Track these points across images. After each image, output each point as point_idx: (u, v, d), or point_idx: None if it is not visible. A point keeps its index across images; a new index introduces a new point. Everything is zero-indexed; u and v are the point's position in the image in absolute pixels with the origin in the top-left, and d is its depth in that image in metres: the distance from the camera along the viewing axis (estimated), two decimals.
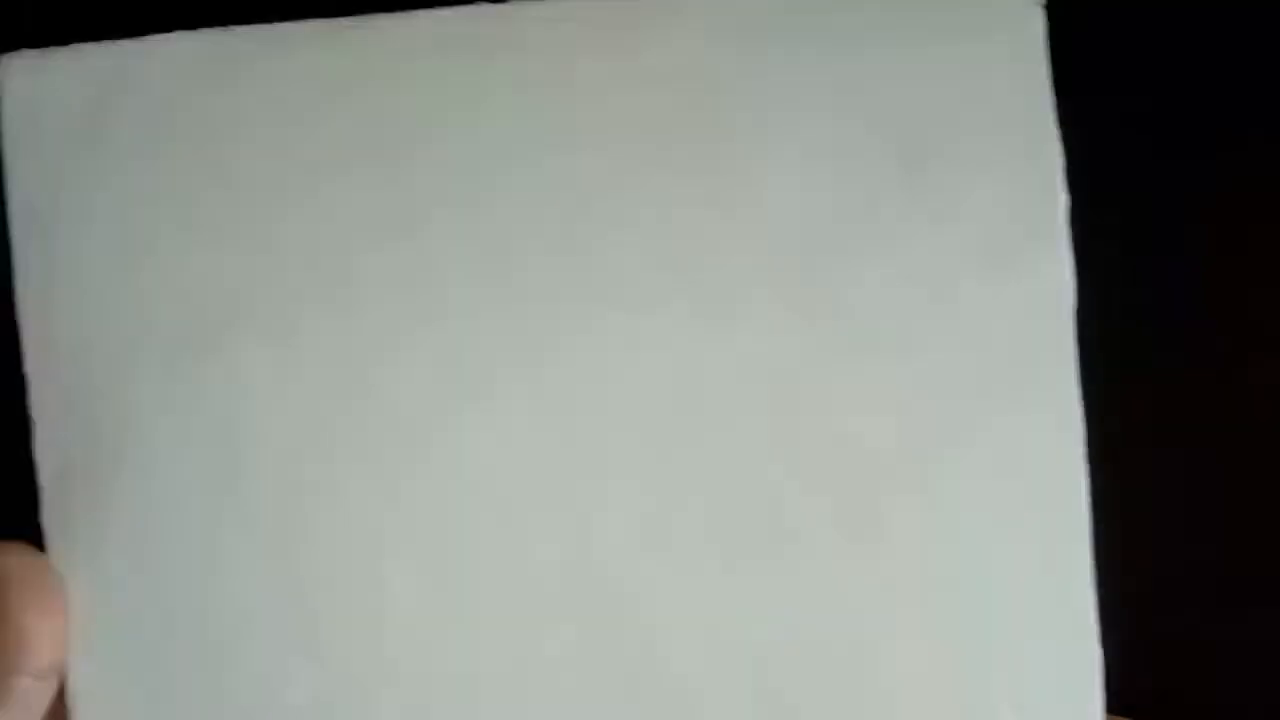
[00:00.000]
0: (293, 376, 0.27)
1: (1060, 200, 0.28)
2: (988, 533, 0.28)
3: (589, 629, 0.27)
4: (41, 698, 0.25)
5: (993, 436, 0.28)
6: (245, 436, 0.27)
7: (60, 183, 0.27)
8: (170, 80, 0.27)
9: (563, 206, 0.27)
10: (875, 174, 0.28)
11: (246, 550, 0.27)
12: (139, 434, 0.27)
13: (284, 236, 0.27)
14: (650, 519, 0.27)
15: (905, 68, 0.28)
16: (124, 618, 0.27)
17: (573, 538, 0.27)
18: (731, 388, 0.28)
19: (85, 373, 0.27)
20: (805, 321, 0.27)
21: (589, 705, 0.27)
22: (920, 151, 0.28)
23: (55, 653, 0.25)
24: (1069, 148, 0.27)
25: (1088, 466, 0.28)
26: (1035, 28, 0.27)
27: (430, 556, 0.27)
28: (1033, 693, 0.28)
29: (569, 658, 0.27)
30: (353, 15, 0.28)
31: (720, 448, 0.28)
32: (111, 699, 0.27)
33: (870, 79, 0.28)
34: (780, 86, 0.28)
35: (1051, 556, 0.28)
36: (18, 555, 0.25)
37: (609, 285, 0.27)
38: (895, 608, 0.28)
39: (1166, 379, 0.33)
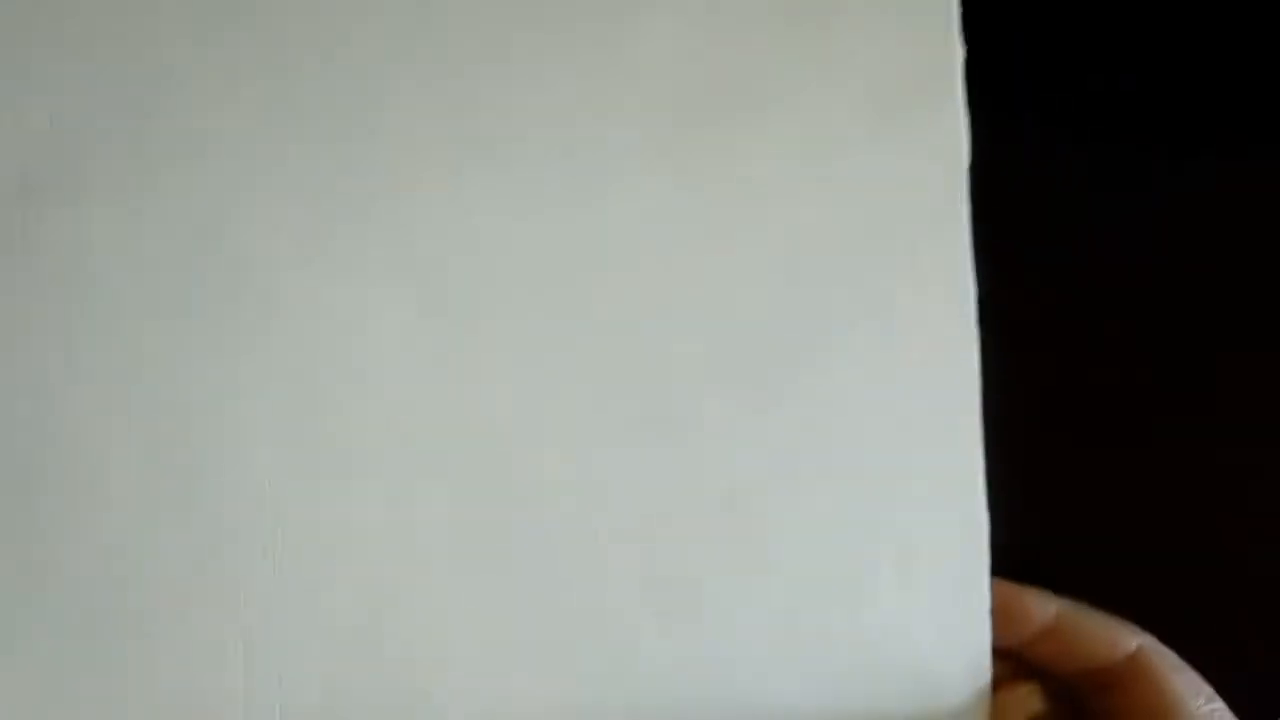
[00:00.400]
0: (140, 233, 0.25)
1: (957, 52, 0.27)
2: (878, 394, 0.28)
3: (463, 492, 0.26)
4: None
5: (883, 297, 0.27)
6: (87, 292, 0.25)
7: None
8: None
9: (429, 59, 0.26)
10: (760, 30, 0.27)
11: (87, 406, 0.25)
12: None
13: (135, 89, 0.25)
14: (532, 389, 0.27)
15: None
16: None
17: (446, 403, 0.26)
18: (614, 256, 0.27)
19: None
20: (686, 186, 0.26)
21: (463, 567, 0.26)
22: (808, 5, 0.27)
23: None
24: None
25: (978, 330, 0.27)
26: None
27: (289, 417, 0.26)
28: (920, 551, 0.28)
29: (443, 518, 0.26)
30: None
31: (604, 320, 0.27)
32: None
33: None
34: None
35: (942, 420, 0.28)
36: None
37: (476, 144, 0.26)
38: (785, 473, 0.27)
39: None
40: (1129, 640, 0.28)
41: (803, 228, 0.27)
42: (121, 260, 0.25)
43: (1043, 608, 0.29)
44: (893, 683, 0.29)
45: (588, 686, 0.27)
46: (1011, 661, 0.29)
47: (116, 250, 0.25)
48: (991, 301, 0.27)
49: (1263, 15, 0.29)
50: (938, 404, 0.28)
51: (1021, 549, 0.29)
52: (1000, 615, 0.29)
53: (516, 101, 0.26)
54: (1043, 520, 0.31)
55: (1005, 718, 0.28)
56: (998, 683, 0.29)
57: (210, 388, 0.25)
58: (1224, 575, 0.30)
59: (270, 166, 0.25)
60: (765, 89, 0.26)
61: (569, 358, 0.26)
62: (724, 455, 0.27)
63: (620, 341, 0.27)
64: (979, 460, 0.28)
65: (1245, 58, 0.30)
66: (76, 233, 0.25)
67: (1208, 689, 0.27)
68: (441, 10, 0.26)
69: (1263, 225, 0.30)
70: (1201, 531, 0.32)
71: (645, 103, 0.26)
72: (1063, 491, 0.32)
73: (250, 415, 0.26)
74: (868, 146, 0.27)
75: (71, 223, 0.25)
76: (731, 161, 0.26)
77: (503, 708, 0.27)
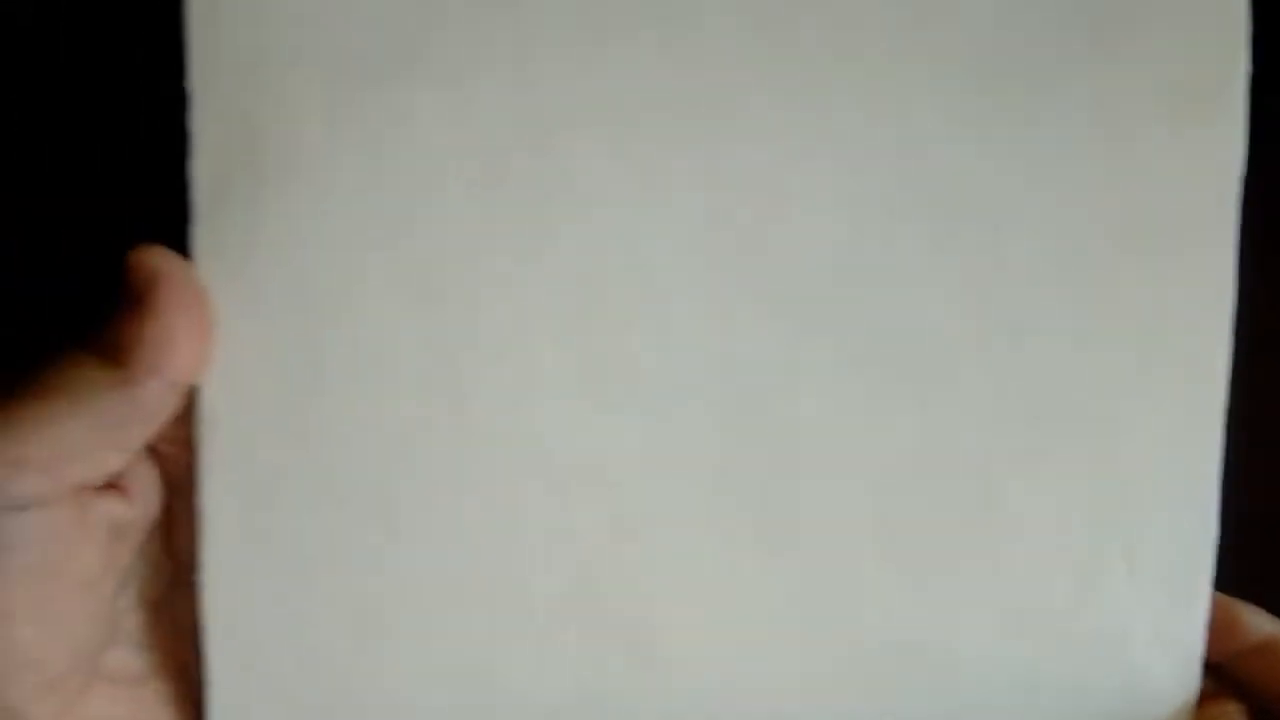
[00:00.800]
0: (465, 124, 0.26)
1: (1243, 66, 0.28)
2: (1129, 384, 0.28)
3: (726, 425, 0.27)
4: (165, 407, 0.24)
5: (1148, 285, 0.28)
6: (411, 178, 0.26)
7: None
8: None
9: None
10: (1064, 18, 0.28)
11: (394, 295, 0.26)
12: (304, 158, 0.26)
13: None
14: (800, 337, 0.27)
15: None
16: (268, 344, 0.26)
17: (717, 338, 0.27)
18: (900, 216, 0.27)
19: (251, 90, 0.26)
20: (983, 154, 0.27)
21: (721, 491, 0.27)
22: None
23: (196, 359, 0.24)
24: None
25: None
26: None
27: (573, 331, 0.26)
28: (1149, 552, 0.28)
29: (705, 448, 0.27)
30: None
31: (876, 279, 0.27)
32: (242, 427, 0.25)
33: None
34: None
35: (1185, 425, 0.28)
36: (169, 259, 0.24)
37: (794, 98, 0.27)
38: (1028, 442, 0.28)
39: None
40: None
41: (1081, 210, 0.27)
42: (445, 142, 0.26)
43: (1257, 624, 0.29)
44: (1104, 679, 0.28)
45: (816, 646, 0.27)
46: (1214, 675, 0.29)
47: (443, 131, 0.26)
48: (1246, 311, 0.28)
49: None
50: (1184, 409, 0.28)
51: (1245, 562, 0.29)
52: (1213, 627, 0.29)
53: (834, 61, 0.27)
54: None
55: None
56: (1202, 695, 0.29)
57: (500, 282, 0.26)
58: None
59: (594, 80, 0.26)
60: (1064, 74, 0.27)
61: (839, 310, 0.27)
62: (976, 428, 0.28)
63: (890, 300, 0.27)
64: (1216, 468, 0.28)
65: None
66: (404, 119, 0.26)
67: None
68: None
69: None
70: None
71: (951, 74, 0.27)
72: None
73: (534, 315, 0.26)
74: (1149, 143, 0.28)
75: (401, 107, 0.26)
76: (1026, 136, 0.27)
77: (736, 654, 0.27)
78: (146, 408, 0.23)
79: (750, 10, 0.27)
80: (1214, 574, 0.28)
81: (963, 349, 0.28)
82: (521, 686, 0.27)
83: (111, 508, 0.24)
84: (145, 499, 0.25)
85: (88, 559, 0.24)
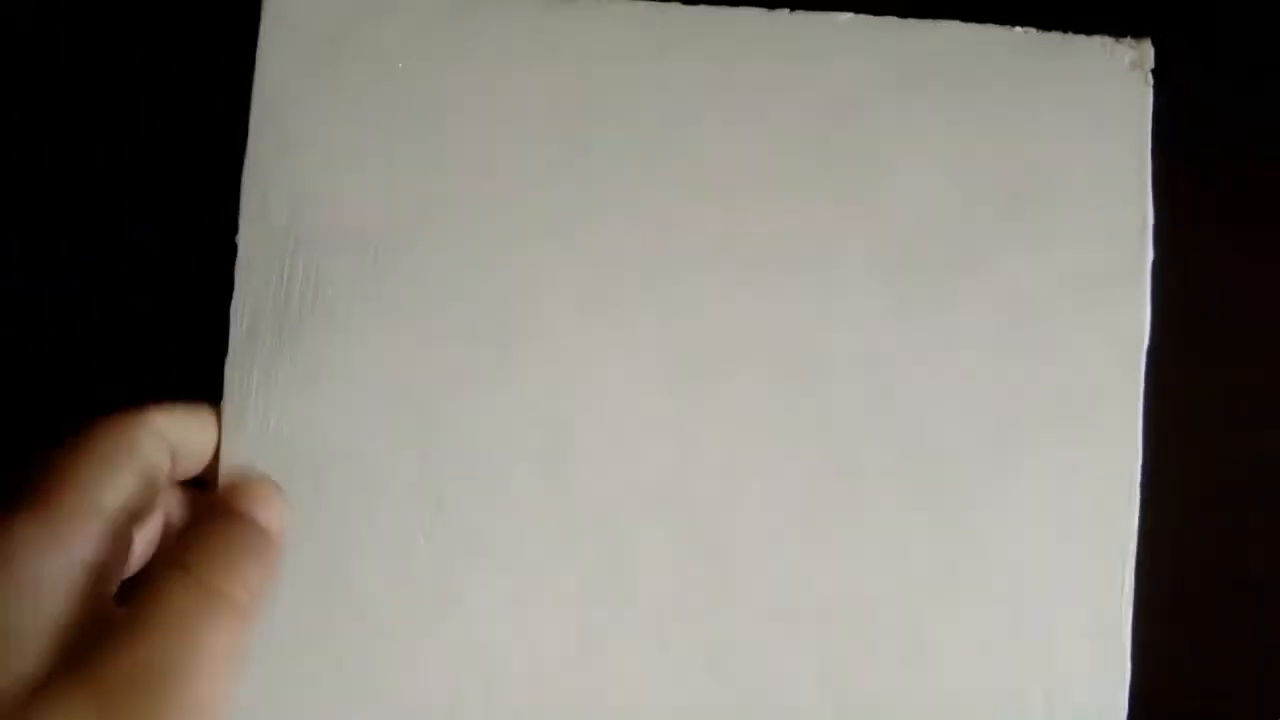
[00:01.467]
0: (460, 287, 0.31)
1: (1148, 253, 0.32)
2: (1046, 534, 0.31)
3: (678, 550, 0.31)
4: None
5: (1062, 450, 0.31)
6: (412, 330, 0.31)
7: (301, 88, 0.31)
8: (409, 18, 0.32)
9: (721, 185, 0.32)
10: (986, 201, 0.32)
11: (393, 425, 0.31)
12: (326, 307, 0.31)
13: (471, 167, 0.31)
14: (748, 458, 0.31)
15: (1024, 121, 0.32)
16: (280, 460, 0.30)
17: (674, 456, 0.31)
18: (835, 366, 0.31)
19: (288, 253, 0.31)
20: (906, 317, 0.31)
21: (674, 616, 0.30)
22: (1027, 191, 0.32)
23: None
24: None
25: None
26: (1144, 102, 0.32)
27: (543, 459, 0.31)
28: (1064, 683, 0.31)
29: (659, 572, 0.31)
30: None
31: (813, 414, 0.31)
32: None
33: (992, 125, 0.32)
34: (917, 117, 0.32)
35: (1098, 567, 0.31)
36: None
37: (738, 253, 0.31)
38: (953, 583, 0.31)
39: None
40: None
41: (998, 377, 0.31)
42: (443, 301, 0.31)
43: None
44: None
45: None
46: None
47: (441, 293, 0.31)
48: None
49: None
50: (1099, 561, 0.31)
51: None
52: None
53: (783, 225, 0.31)
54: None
55: None
56: None
57: (483, 416, 0.31)
58: None
59: (567, 246, 0.31)
60: (983, 252, 0.31)
61: (783, 437, 0.31)
62: (908, 574, 0.31)
63: (826, 449, 0.31)
64: (1127, 616, 0.31)
65: None
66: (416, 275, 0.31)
67: None
68: (732, 148, 0.32)
69: None
70: None
71: (880, 244, 0.31)
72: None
73: (509, 446, 0.31)
74: (1060, 318, 0.31)
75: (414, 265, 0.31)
76: (943, 308, 0.31)
77: None
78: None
79: (710, 200, 0.31)
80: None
81: (894, 501, 0.31)
82: None
83: None
84: None
85: None
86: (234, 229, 0.31)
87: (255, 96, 0.31)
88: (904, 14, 0.32)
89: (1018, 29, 0.32)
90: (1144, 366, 0.31)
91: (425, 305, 0.31)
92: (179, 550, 0.27)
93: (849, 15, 0.32)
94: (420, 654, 0.30)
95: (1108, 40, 0.32)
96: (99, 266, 0.33)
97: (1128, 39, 0.32)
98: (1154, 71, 0.32)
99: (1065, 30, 0.32)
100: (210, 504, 0.29)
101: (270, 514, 0.29)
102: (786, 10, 0.32)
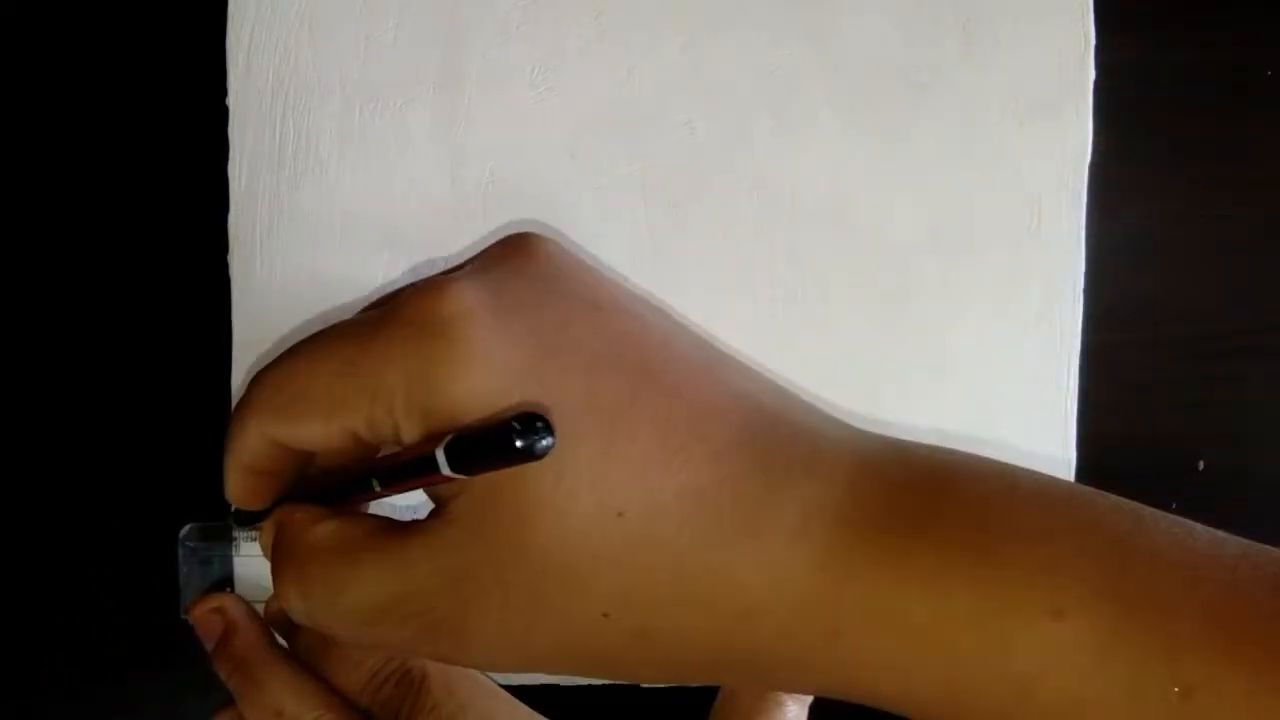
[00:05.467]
0: (445, 138, 0.33)
1: (1089, 73, 0.34)
2: (995, 334, 0.34)
3: None
4: None
5: (1010, 260, 0.34)
6: (401, 180, 0.33)
7: None
8: None
9: (685, 25, 0.33)
10: (937, 27, 0.34)
11: (384, 272, 0.33)
12: (318, 163, 0.32)
13: (440, 20, 0.33)
14: (722, 274, 0.33)
15: None
16: (282, 306, 0.32)
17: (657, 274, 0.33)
18: (799, 189, 0.33)
19: (278, 109, 0.32)
20: (863, 142, 0.34)
21: None
22: (975, 17, 0.34)
23: None
24: None
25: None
26: None
27: None
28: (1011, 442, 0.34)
29: None
30: None
31: (786, 232, 0.33)
32: None
33: None
34: None
35: (1038, 369, 0.34)
36: None
37: (713, 90, 0.33)
38: (908, 379, 0.34)
39: None
40: None
41: (949, 194, 0.34)
42: (430, 152, 0.33)
43: None
44: None
45: None
46: None
47: (428, 143, 0.33)
48: None
49: None
50: (1038, 357, 0.34)
51: None
52: None
53: (747, 64, 0.33)
54: None
55: None
56: None
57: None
58: None
59: (536, 93, 0.33)
60: (933, 82, 0.33)
61: (751, 257, 0.34)
62: (861, 369, 0.34)
63: (791, 252, 0.33)
64: (1071, 419, 0.34)
65: None
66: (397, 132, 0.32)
67: None
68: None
69: None
70: None
71: (838, 74, 0.33)
72: None
73: None
74: (1007, 137, 0.34)
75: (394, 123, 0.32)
76: (901, 132, 0.33)
77: None
78: None
79: (683, 40, 0.33)
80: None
81: (858, 311, 0.34)
82: None
83: None
84: None
85: None
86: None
87: None
88: None
89: None
90: (1086, 180, 0.34)
91: (415, 155, 0.33)
92: None
93: None
94: None
95: None
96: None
97: None
98: None
99: None
100: None
101: None
102: None
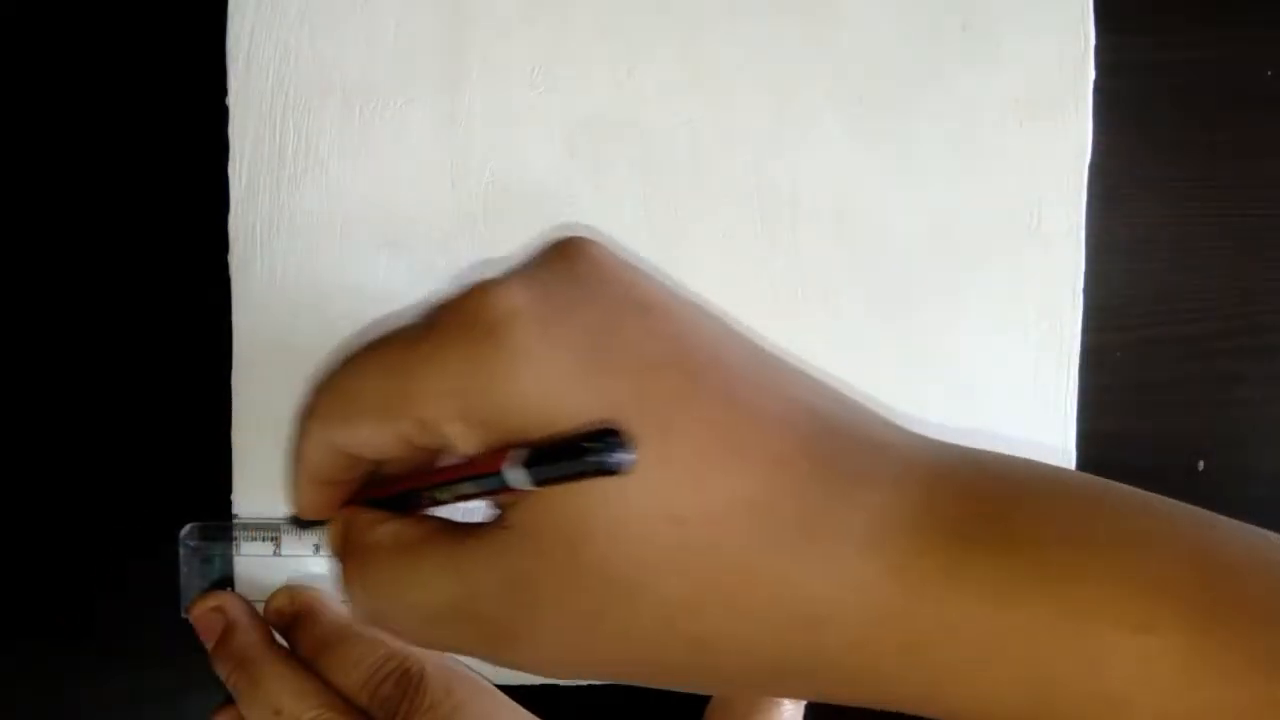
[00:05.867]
0: (443, 136, 0.33)
1: (1089, 72, 0.34)
2: (996, 332, 0.34)
3: None
4: None
5: (1011, 258, 0.34)
6: (399, 178, 0.33)
7: None
8: None
9: (687, 16, 0.33)
10: (937, 28, 0.34)
11: (383, 269, 0.33)
12: (318, 163, 0.32)
13: (441, 18, 0.33)
14: (719, 254, 0.33)
15: None
16: (283, 303, 0.33)
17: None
18: (800, 187, 0.33)
19: (277, 110, 0.32)
20: (865, 140, 0.34)
21: None
22: (976, 17, 0.34)
23: None
24: None
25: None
26: None
27: None
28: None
29: None
30: None
31: (788, 230, 0.33)
32: (269, 365, 0.33)
33: None
34: None
35: (1037, 372, 0.34)
36: None
37: (715, 88, 0.33)
38: (910, 377, 0.34)
39: None
40: None
41: (950, 193, 0.34)
42: (427, 150, 0.33)
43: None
44: None
45: None
46: None
47: (426, 142, 0.33)
48: None
49: None
50: (1034, 358, 0.34)
51: None
52: None
53: (747, 64, 0.33)
54: None
55: None
56: None
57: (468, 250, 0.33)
58: None
59: (537, 89, 0.33)
60: (934, 80, 0.33)
61: (754, 255, 0.33)
62: (865, 355, 0.34)
63: (792, 251, 0.33)
64: (1070, 422, 0.34)
65: None
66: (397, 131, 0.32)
67: None
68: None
69: None
70: None
71: (840, 72, 0.33)
72: None
73: None
74: (1008, 137, 0.34)
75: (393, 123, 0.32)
76: (901, 132, 0.33)
77: None
78: None
79: (683, 39, 0.33)
80: None
81: (859, 308, 0.34)
82: None
83: None
84: None
85: None
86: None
87: None
88: None
89: None
90: (1086, 180, 0.34)
91: (412, 154, 0.33)
92: None
93: None
94: None
95: None
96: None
97: None
98: None
99: None
100: None
101: None
102: None
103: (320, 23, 0.32)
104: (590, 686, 0.34)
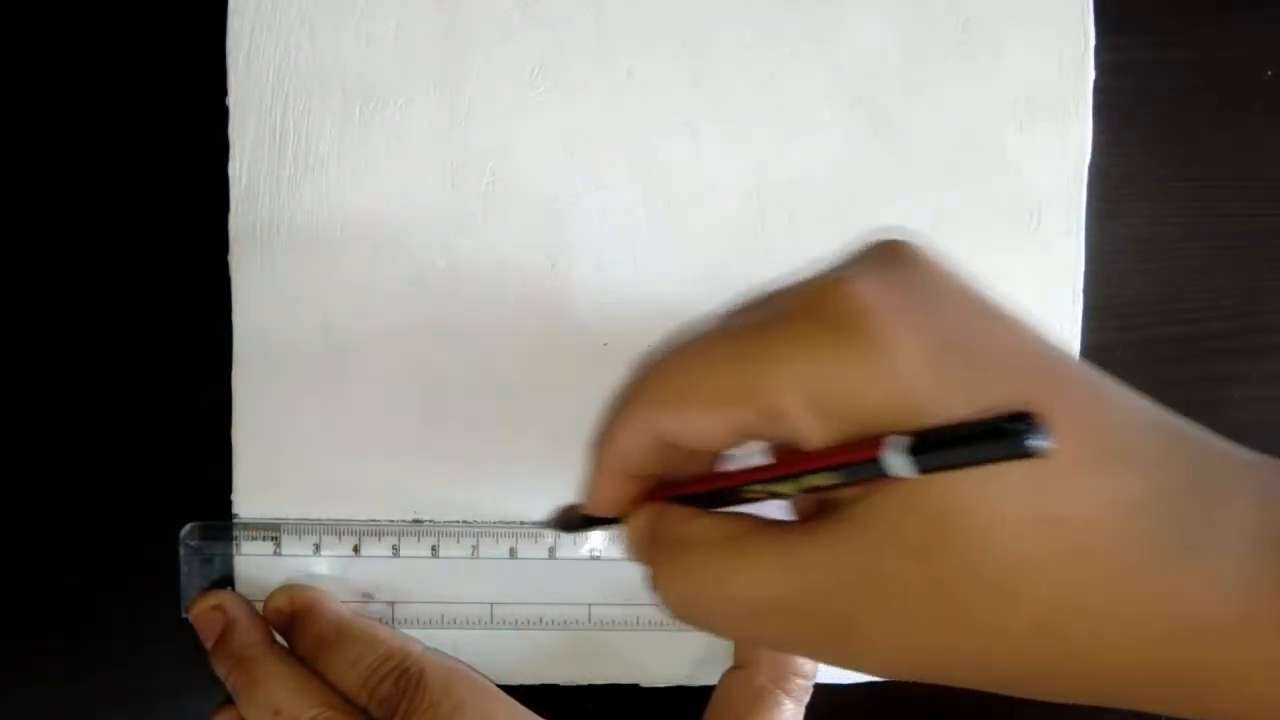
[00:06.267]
0: (441, 131, 0.33)
1: (1089, 73, 0.34)
2: None
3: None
4: None
5: (1012, 259, 0.34)
6: (398, 174, 0.33)
7: None
8: None
9: (687, 21, 0.33)
10: (938, 28, 0.34)
11: (385, 262, 0.33)
12: (317, 161, 0.32)
13: (439, 20, 0.33)
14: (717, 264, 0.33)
15: None
16: (284, 303, 0.33)
17: (648, 276, 0.33)
18: (801, 192, 0.33)
19: (277, 109, 0.32)
20: (867, 143, 0.33)
21: None
22: (976, 18, 0.34)
23: None
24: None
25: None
26: None
27: (530, 286, 0.33)
28: None
29: None
30: None
31: (789, 236, 0.34)
32: (269, 365, 0.33)
33: None
34: None
35: None
36: None
37: (714, 95, 0.33)
38: None
39: None
40: None
41: (952, 194, 0.34)
42: (426, 146, 0.33)
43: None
44: None
45: None
46: None
47: (424, 138, 0.33)
48: None
49: None
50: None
51: None
52: None
53: (747, 64, 0.33)
54: None
55: None
56: None
57: (469, 242, 0.33)
58: None
59: (538, 90, 0.33)
60: (934, 82, 0.33)
61: (753, 260, 0.34)
62: None
63: (793, 260, 0.33)
64: None
65: None
66: (397, 128, 0.32)
67: None
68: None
69: None
70: None
71: (840, 74, 0.33)
72: None
73: (497, 272, 0.33)
74: (1008, 138, 0.34)
75: (394, 119, 0.33)
76: (901, 132, 0.33)
77: None
78: None
79: (684, 40, 0.33)
80: None
81: None
82: None
83: None
84: None
85: None
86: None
87: None
88: None
89: None
90: (1086, 181, 0.34)
91: (411, 150, 0.33)
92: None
93: None
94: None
95: None
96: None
97: None
98: None
99: None
100: None
101: None
102: None
103: (320, 23, 0.32)
104: (591, 686, 0.34)
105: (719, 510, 0.24)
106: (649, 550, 0.24)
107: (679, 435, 0.23)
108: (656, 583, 0.24)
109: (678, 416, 0.23)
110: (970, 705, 0.35)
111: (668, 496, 0.25)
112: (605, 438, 0.25)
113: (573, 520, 0.27)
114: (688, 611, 0.24)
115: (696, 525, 0.24)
